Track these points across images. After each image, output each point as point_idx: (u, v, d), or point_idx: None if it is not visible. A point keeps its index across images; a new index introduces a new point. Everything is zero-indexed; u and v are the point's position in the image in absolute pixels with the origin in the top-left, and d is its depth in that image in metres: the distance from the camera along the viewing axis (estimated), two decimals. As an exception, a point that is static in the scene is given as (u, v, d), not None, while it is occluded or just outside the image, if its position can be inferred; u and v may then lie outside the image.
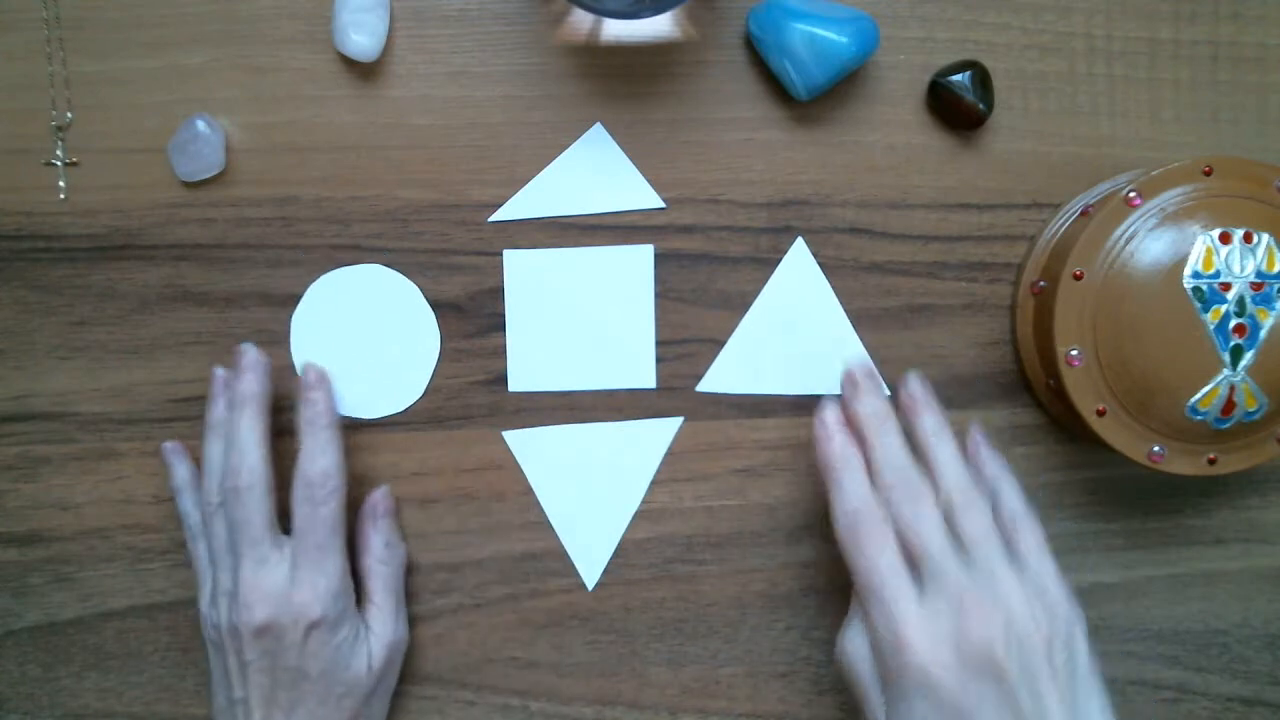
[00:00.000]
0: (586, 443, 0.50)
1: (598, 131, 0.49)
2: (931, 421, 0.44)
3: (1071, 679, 0.40)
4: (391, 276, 0.49)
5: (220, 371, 0.47)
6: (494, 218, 0.49)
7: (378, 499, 0.49)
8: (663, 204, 0.49)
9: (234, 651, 0.44)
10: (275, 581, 0.44)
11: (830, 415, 0.45)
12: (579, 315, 0.50)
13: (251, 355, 0.46)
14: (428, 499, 0.50)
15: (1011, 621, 0.40)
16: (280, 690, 0.44)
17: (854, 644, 0.42)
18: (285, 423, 0.49)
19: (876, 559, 0.41)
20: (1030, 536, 0.42)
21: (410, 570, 0.50)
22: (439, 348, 0.50)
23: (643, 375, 0.50)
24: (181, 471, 0.48)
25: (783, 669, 0.51)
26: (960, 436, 0.45)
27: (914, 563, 0.41)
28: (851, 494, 0.43)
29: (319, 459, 0.45)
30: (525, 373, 0.50)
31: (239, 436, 0.45)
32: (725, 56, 0.49)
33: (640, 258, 0.49)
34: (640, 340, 0.50)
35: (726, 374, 0.50)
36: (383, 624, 0.47)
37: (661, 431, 0.50)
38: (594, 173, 0.49)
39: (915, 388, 0.45)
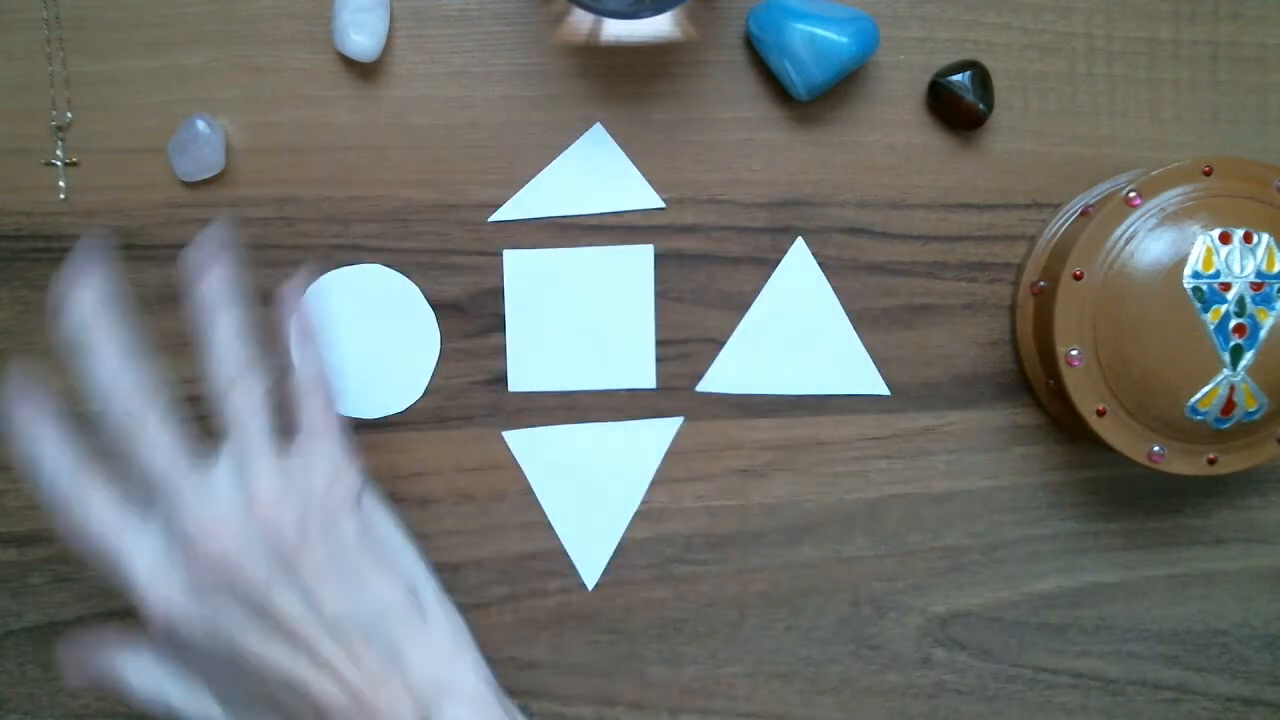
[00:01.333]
0: (586, 443, 0.50)
1: (597, 131, 0.49)
2: (212, 291, 0.39)
3: (336, 559, 0.38)
4: (391, 276, 0.49)
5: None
6: (494, 218, 0.49)
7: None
8: (663, 204, 0.49)
9: None
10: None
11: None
12: (579, 315, 0.50)
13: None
14: (428, 499, 0.50)
15: (247, 524, 0.37)
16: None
17: None
18: (284, 424, 0.49)
19: (92, 520, 0.38)
20: (312, 407, 0.40)
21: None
22: (439, 348, 0.50)
23: (643, 375, 0.50)
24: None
25: (783, 669, 0.51)
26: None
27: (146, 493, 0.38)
28: (53, 467, 0.39)
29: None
30: (525, 373, 0.50)
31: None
32: (725, 56, 0.49)
33: (640, 258, 0.49)
34: (640, 340, 0.50)
35: (726, 374, 0.50)
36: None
37: (661, 431, 0.50)
38: (594, 173, 0.49)
39: (205, 246, 0.40)
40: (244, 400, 0.39)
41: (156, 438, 0.39)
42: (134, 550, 0.39)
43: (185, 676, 0.40)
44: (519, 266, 0.49)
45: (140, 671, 0.41)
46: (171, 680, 0.40)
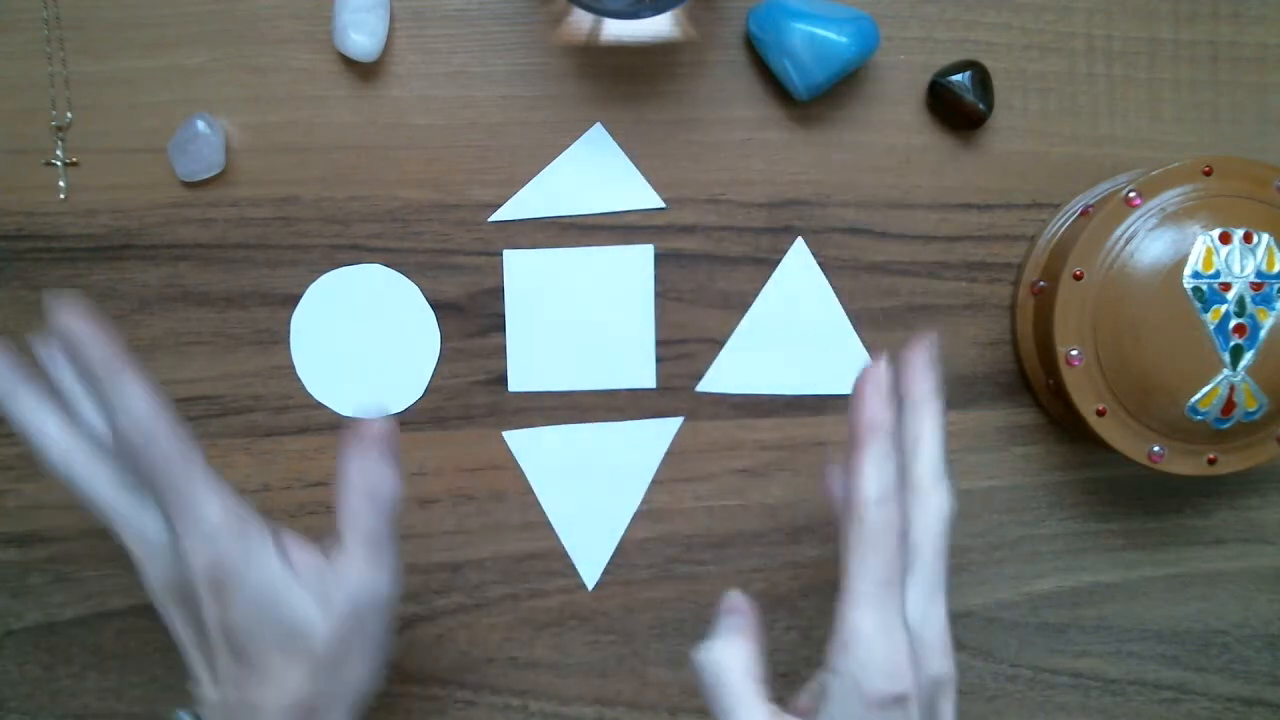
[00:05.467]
0: (586, 443, 0.50)
1: (597, 131, 0.49)
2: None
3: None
4: (391, 276, 0.49)
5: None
6: (494, 218, 0.49)
7: (369, 426, 0.39)
8: (663, 204, 0.49)
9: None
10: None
11: (876, 373, 0.37)
12: (579, 315, 0.50)
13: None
14: (428, 499, 0.50)
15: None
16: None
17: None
18: (283, 424, 0.49)
19: (884, 563, 0.35)
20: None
21: (410, 570, 0.50)
22: (439, 348, 0.50)
23: (643, 375, 0.50)
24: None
25: (783, 669, 0.51)
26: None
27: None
28: (878, 481, 0.35)
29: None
30: (525, 373, 0.50)
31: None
32: (725, 56, 0.49)
33: (640, 257, 0.49)
34: (640, 340, 0.50)
35: (726, 374, 0.50)
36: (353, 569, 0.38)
37: (661, 431, 0.50)
38: (594, 173, 0.49)
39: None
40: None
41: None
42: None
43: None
44: (519, 266, 0.49)
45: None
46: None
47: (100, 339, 0.36)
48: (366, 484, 0.38)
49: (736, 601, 0.38)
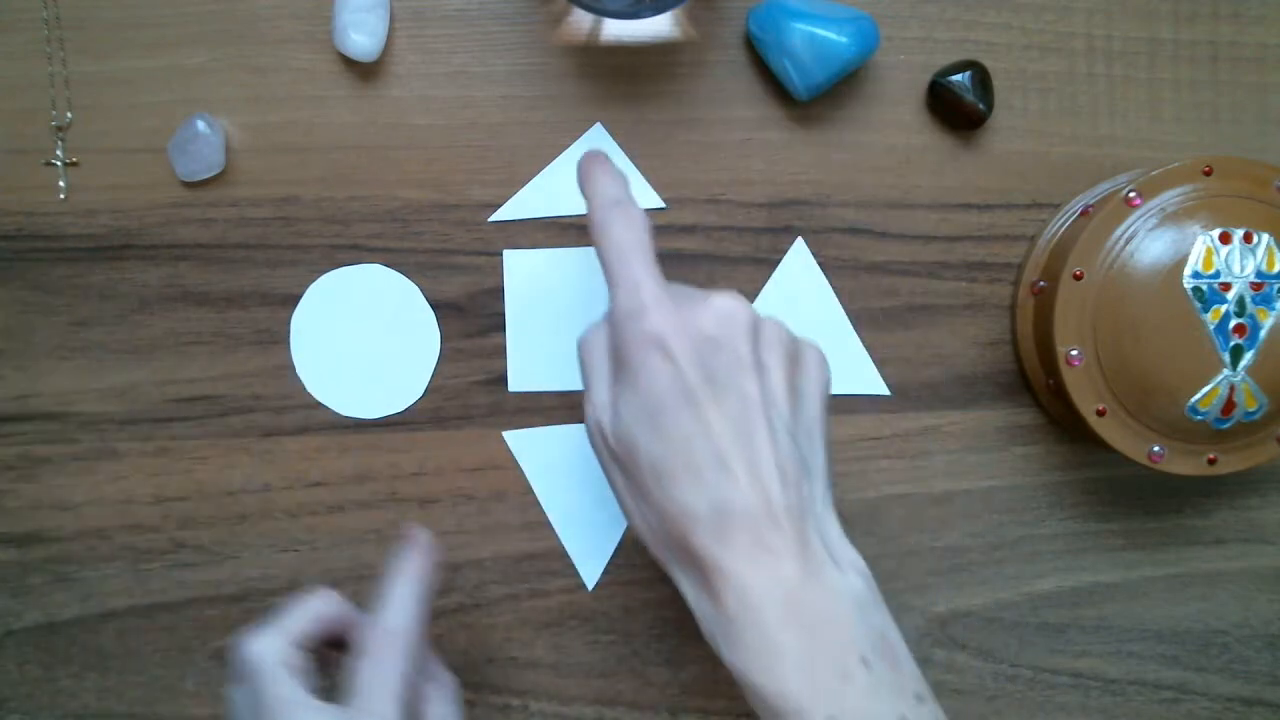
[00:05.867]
0: (586, 443, 0.50)
1: (597, 131, 0.49)
2: None
3: (802, 399, 0.38)
4: (391, 276, 0.49)
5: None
6: (493, 218, 0.49)
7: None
8: (663, 204, 0.49)
9: None
10: None
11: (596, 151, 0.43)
12: (579, 315, 0.50)
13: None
14: (428, 499, 0.50)
15: (759, 319, 0.38)
16: None
17: (597, 333, 0.40)
18: (283, 424, 0.49)
19: (627, 239, 0.39)
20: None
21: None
22: (439, 348, 0.50)
23: None
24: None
25: (783, 669, 0.51)
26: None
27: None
28: (612, 190, 0.40)
29: (396, 613, 0.40)
30: (525, 373, 0.50)
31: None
32: (725, 56, 0.49)
33: None
34: None
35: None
36: None
37: None
38: (594, 173, 0.49)
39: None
40: None
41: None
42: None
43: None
44: (519, 266, 0.49)
45: None
46: None
47: None
48: (433, 685, 0.42)
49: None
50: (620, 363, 0.38)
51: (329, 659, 0.42)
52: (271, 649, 0.39)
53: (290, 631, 0.39)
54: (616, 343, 0.38)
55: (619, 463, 0.38)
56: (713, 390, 0.36)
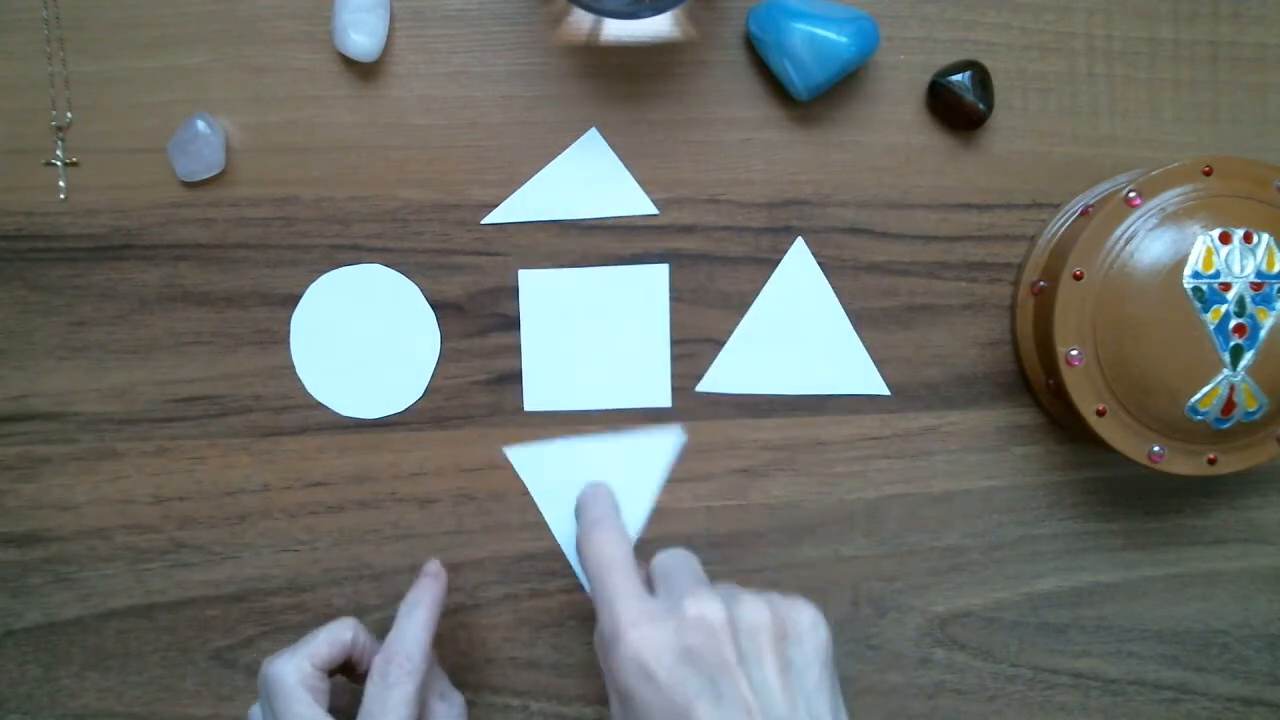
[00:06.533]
0: (588, 457, 0.50)
1: (593, 136, 0.49)
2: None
3: (801, 672, 0.38)
4: (391, 276, 0.49)
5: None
6: (487, 220, 0.49)
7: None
8: (656, 210, 0.49)
9: None
10: None
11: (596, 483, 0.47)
12: (593, 335, 0.49)
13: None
14: (428, 499, 0.50)
15: (737, 614, 0.38)
16: None
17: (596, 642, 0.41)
18: (283, 424, 0.49)
19: (607, 554, 0.41)
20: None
21: (410, 570, 0.50)
22: (439, 348, 0.50)
23: (658, 395, 0.50)
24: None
25: (783, 669, 0.51)
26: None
27: (653, 581, 0.41)
28: (597, 510, 0.44)
29: (407, 641, 0.43)
30: (541, 393, 0.50)
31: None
32: (725, 56, 0.49)
33: (655, 277, 0.49)
34: (655, 360, 0.50)
35: (726, 374, 0.50)
36: None
37: (662, 445, 0.50)
38: (588, 177, 0.49)
39: None
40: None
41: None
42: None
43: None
44: (534, 286, 0.49)
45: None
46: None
47: None
48: (442, 702, 0.45)
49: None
50: (610, 686, 0.39)
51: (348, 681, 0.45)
52: (293, 670, 0.42)
53: (312, 655, 0.42)
54: (604, 669, 0.39)
55: None
56: (704, 703, 0.36)
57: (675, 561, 0.41)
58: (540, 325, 0.49)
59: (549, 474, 0.50)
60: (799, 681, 0.38)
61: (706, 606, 0.38)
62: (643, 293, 0.49)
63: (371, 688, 0.42)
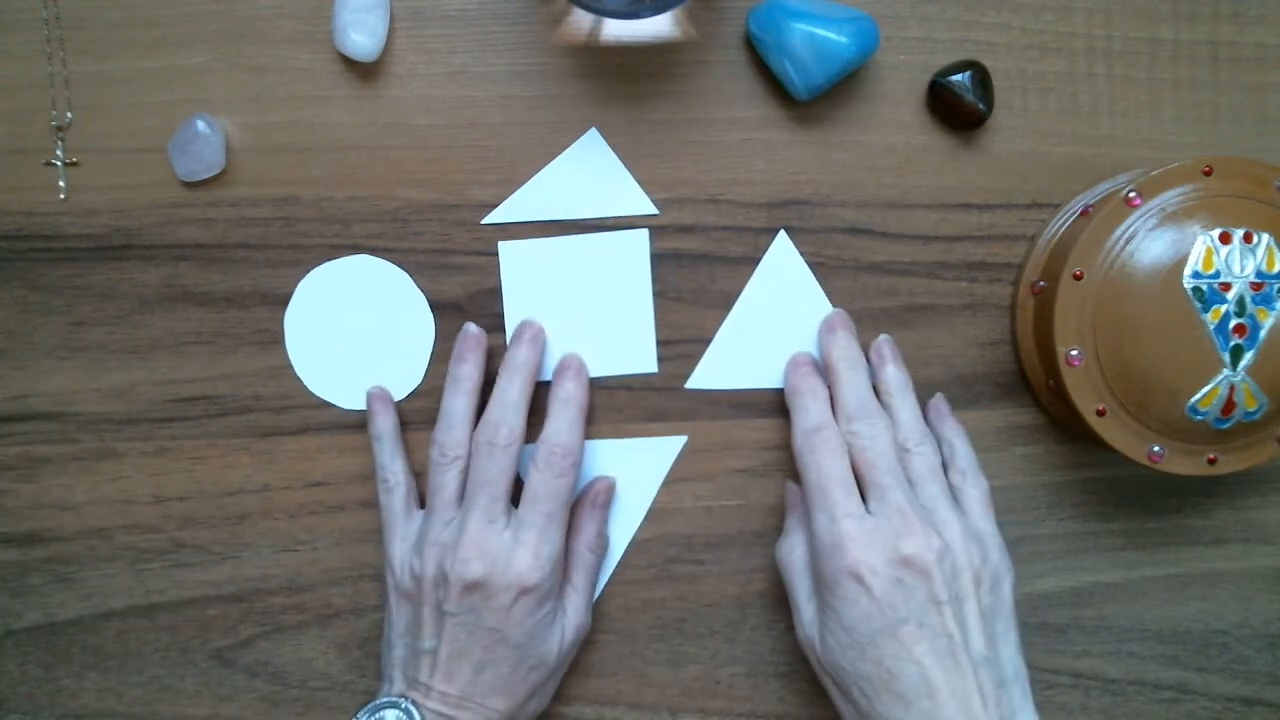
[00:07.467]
0: (588, 456, 0.50)
1: (592, 136, 0.49)
2: (896, 376, 0.47)
3: (994, 617, 0.43)
4: (378, 265, 0.49)
5: (472, 328, 0.48)
6: (486, 220, 0.49)
7: (601, 489, 0.49)
8: (655, 210, 0.49)
9: (433, 603, 0.44)
10: (499, 542, 0.44)
11: (801, 355, 0.49)
12: (577, 303, 0.49)
13: (535, 328, 0.48)
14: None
15: (946, 550, 0.42)
16: (475, 647, 0.44)
17: (794, 552, 0.46)
18: (283, 424, 0.49)
19: (829, 468, 0.44)
20: (975, 490, 0.46)
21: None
22: (434, 333, 0.49)
23: (644, 360, 0.50)
24: (386, 421, 0.48)
25: (783, 669, 0.51)
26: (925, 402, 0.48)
27: (864, 485, 0.44)
28: (814, 413, 0.46)
29: (565, 433, 0.46)
30: None
31: (508, 397, 0.46)
32: (725, 56, 0.49)
33: (636, 242, 0.49)
34: (640, 325, 0.50)
35: (714, 370, 0.50)
36: (577, 608, 0.48)
37: (664, 450, 0.50)
38: (588, 178, 0.49)
39: (885, 346, 0.48)
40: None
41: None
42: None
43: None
44: (515, 257, 0.49)
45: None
46: None
47: None
48: (600, 542, 0.49)
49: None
50: (822, 586, 0.43)
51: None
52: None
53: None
54: (818, 569, 0.43)
55: (828, 675, 0.44)
56: (911, 626, 0.41)
57: (885, 462, 0.44)
58: (523, 297, 0.49)
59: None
60: (994, 620, 0.42)
61: (920, 546, 0.42)
62: (624, 258, 0.49)
63: (536, 475, 0.45)
